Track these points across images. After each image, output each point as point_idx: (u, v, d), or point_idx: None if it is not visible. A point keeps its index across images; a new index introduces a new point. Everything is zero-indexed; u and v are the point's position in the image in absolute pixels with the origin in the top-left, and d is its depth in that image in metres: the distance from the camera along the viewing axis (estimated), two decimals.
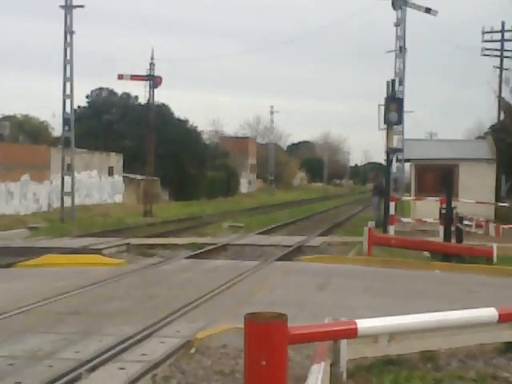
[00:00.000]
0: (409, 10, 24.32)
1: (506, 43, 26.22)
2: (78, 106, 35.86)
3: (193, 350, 5.53)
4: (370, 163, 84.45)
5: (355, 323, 2.05)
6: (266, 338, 1.72)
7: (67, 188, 23.86)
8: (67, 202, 23.66)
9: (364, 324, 2.15)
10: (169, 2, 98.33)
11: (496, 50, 27.37)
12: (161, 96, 36.17)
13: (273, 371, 1.72)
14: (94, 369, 4.70)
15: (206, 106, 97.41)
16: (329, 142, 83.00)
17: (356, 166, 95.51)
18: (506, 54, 26.31)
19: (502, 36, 26.89)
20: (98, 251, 13.91)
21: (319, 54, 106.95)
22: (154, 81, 27.07)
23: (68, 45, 23.10)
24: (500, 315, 2.39)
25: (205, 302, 8.04)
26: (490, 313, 2.41)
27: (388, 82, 17.53)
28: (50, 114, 41.54)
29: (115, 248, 15.01)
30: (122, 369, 4.78)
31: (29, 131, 36.92)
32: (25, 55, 70.06)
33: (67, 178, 24.02)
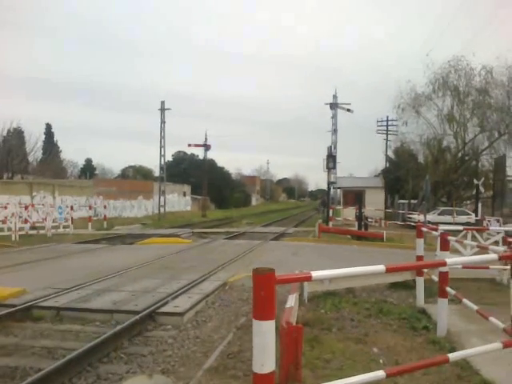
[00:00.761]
0: (339, 110, 46.19)
1: (389, 127, 43.17)
2: (168, 160, 54.26)
3: (227, 287, 8.66)
4: (319, 189, 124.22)
5: (310, 274, 2.45)
6: (264, 282, 2.27)
7: (162, 203, 39.41)
8: (162, 210, 39.01)
9: (315, 274, 2.41)
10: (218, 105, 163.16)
11: (384, 130, 43.97)
12: (210, 155, 57.06)
13: (267, 298, 2.28)
14: (175, 297, 7.52)
15: (233, 159, 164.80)
16: (298, 178, 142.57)
17: (312, 190, 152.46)
18: (389, 133, 42.96)
19: (387, 123, 43.36)
20: (178, 236, 20.72)
21: (294, 132, 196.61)
22: (206, 147, 46.15)
23: (162, 129, 39.83)
24: (387, 269, 2.73)
25: (233, 262, 11.93)
26: (381, 267, 2.70)
27: (328, 147, 29.28)
28: (153, 165, 64.85)
29: (187, 234, 22.15)
30: (190, 297, 7.54)
31: (142, 173, 66.93)
32: (140, 134, 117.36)
33: (162, 198, 39.65)
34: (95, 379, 4.59)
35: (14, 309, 6.76)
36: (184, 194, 56.30)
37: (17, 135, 44.22)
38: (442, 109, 33.26)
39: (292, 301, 5.86)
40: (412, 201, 33.84)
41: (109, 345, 5.40)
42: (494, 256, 3.85)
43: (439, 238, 7.26)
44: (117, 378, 4.47)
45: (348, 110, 46.34)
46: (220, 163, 70.07)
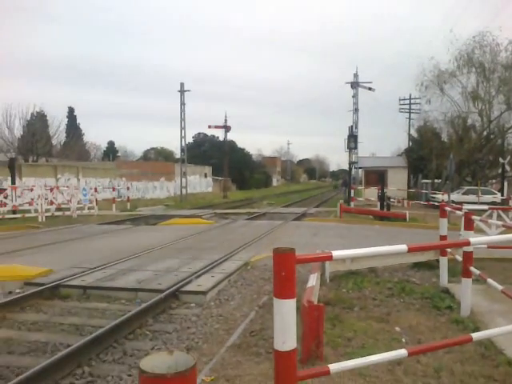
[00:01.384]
0: (360, 89, 44.35)
1: (412, 106, 43.14)
2: (189, 142, 54.72)
3: (249, 267, 8.75)
4: (340, 169, 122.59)
5: (331, 253, 2.38)
6: (284, 261, 2.26)
7: (183, 184, 39.72)
8: (184, 191, 39.28)
9: (336, 253, 2.37)
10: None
11: (407, 109, 43.93)
12: (230, 136, 56.54)
13: (287, 277, 2.27)
14: (198, 276, 7.63)
15: (253, 140, 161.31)
16: (319, 158, 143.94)
17: (333, 170, 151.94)
18: (412, 111, 43.13)
19: (410, 101, 43.34)
20: (199, 216, 20.82)
21: (316, 113, 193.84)
22: (227, 128, 45.07)
23: (182, 110, 39.73)
24: (409, 248, 2.64)
25: (255, 242, 12.00)
26: (403, 247, 2.60)
27: (349, 127, 29.38)
28: (174, 146, 68.16)
29: (208, 215, 22.31)
30: (213, 276, 7.65)
31: (163, 155, 68.68)
32: (161, 116, 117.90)
33: (183, 179, 39.99)
34: (121, 355, 4.71)
35: (42, 287, 6.97)
36: (205, 176, 56.69)
37: (40, 119, 44.86)
38: (466, 86, 32.38)
39: (313, 280, 5.89)
40: (436, 180, 33.29)
41: (134, 322, 5.52)
42: None
43: (463, 218, 7.15)
44: (142, 354, 4.58)
45: (369, 89, 45.34)
46: (240, 144, 70.36)
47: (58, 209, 21.13)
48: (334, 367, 2.55)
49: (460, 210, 7.66)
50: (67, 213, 20.80)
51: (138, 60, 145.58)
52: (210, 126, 46.99)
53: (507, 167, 26.95)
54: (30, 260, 9.26)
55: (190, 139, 63.72)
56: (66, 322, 5.71)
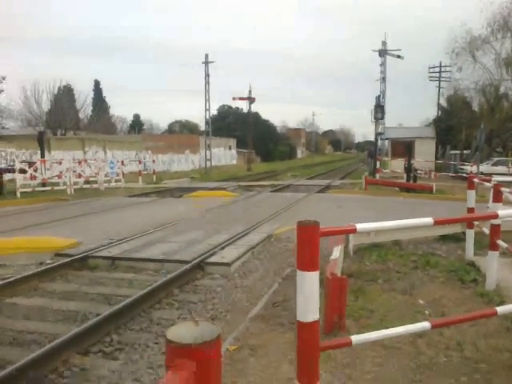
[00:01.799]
0: (388, 57, 41.82)
1: (442, 74, 42.52)
2: (213, 114, 53.38)
3: (272, 239, 8.82)
4: (366, 141, 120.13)
5: (355, 226, 2.38)
6: (308, 234, 2.25)
7: (208, 157, 39.53)
8: (208, 164, 39.20)
9: (360, 226, 2.36)
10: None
11: (436, 77, 42.84)
12: (255, 108, 58.09)
13: (310, 250, 2.26)
14: (222, 248, 7.74)
15: (278, 112, 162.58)
16: (344, 130, 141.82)
17: (359, 142, 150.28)
18: (442, 79, 42.32)
19: (440, 69, 42.35)
20: (224, 189, 20.96)
21: (341, 82, 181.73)
22: (251, 100, 44.57)
23: (206, 82, 39.21)
24: (435, 221, 2.61)
25: (278, 215, 12.02)
26: (429, 220, 2.58)
27: (376, 97, 28.63)
28: (199, 119, 65.21)
29: (232, 187, 22.36)
30: (237, 248, 7.75)
31: (188, 128, 67.41)
32: (186, 89, 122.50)
33: (208, 152, 39.76)
34: (148, 324, 4.86)
35: (71, 258, 7.19)
36: (229, 148, 56.71)
37: (67, 93, 45.39)
38: (500, 52, 31.19)
39: (337, 252, 5.87)
40: (465, 151, 32.53)
41: (160, 292, 5.66)
42: None
43: (492, 190, 6.98)
44: (169, 324, 4.71)
45: (398, 57, 43.92)
46: (265, 116, 69.82)
47: (86, 181, 21.55)
48: (356, 338, 2.57)
49: (489, 181, 7.48)
50: (95, 185, 21.20)
51: (164, 32, 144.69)
52: (234, 98, 46.89)
53: None
54: (59, 231, 9.53)
55: (214, 112, 63.44)
56: (94, 291, 5.90)
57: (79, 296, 5.74)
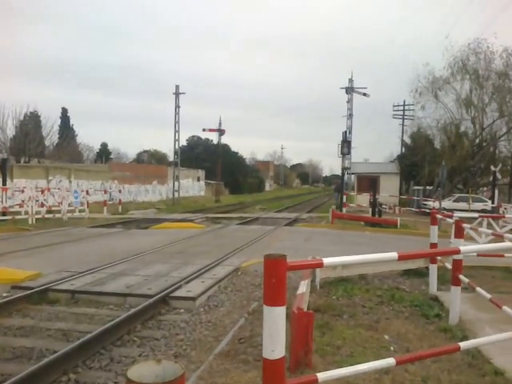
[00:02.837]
0: (354, 94, 44.97)
1: (405, 112, 44.26)
2: (182, 145, 53.17)
3: (239, 273, 8.69)
4: (333, 174, 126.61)
5: (322, 260, 2.39)
6: (275, 268, 2.24)
7: (176, 188, 39.34)
8: (176, 195, 38.88)
9: (327, 260, 2.36)
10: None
11: (400, 115, 45.17)
12: (224, 139, 59.08)
13: (278, 284, 2.26)
14: (188, 282, 7.54)
15: (249, 146, 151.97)
16: (312, 163, 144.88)
17: (326, 176, 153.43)
18: (406, 117, 44.06)
19: (404, 107, 44.41)
20: (191, 221, 20.86)
21: (310, 117, 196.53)
22: (221, 131, 48.45)
23: (176, 113, 39.44)
24: (399, 256, 2.70)
25: (246, 247, 11.97)
26: (393, 255, 2.66)
27: (343, 132, 29.24)
28: (168, 149, 65.54)
29: (200, 219, 22.25)
30: (203, 282, 7.60)
31: (157, 158, 66.88)
32: (156, 119, 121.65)
33: (176, 183, 39.55)
34: (109, 362, 4.67)
35: (30, 291, 6.89)
36: (198, 179, 56.48)
37: (33, 119, 44.62)
38: (460, 93, 32.72)
39: (304, 287, 5.88)
40: (427, 187, 33.50)
41: (122, 328, 5.48)
42: (509, 244, 3.79)
43: (454, 225, 7.18)
44: (130, 361, 4.54)
45: (364, 95, 45.62)
46: (234, 148, 70.30)
47: (49, 211, 20.97)
48: (322, 376, 2.55)
49: (451, 217, 7.69)
50: (58, 215, 20.65)
51: (132, 62, 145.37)
52: (204, 130, 47.48)
53: (498, 175, 27.20)
54: (18, 263, 9.16)
55: (183, 142, 63.62)
56: (53, 327, 5.65)
57: (36, 332, 5.48)
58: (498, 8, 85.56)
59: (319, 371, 2.81)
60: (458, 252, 3.85)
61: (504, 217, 13.47)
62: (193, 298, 6.69)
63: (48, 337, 5.34)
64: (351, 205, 27.49)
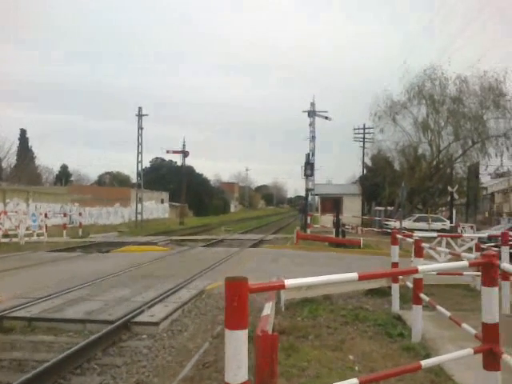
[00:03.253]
0: (316, 118, 46.28)
1: (366, 135, 45.30)
2: (145, 167, 53.65)
3: (204, 296, 8.59)
4: (297, 196, 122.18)
5: (284, 282, 2.42)
6: (236, 290, 2.20)
7: (139, 210, 39.18)
8: (139, 217, 38.76)
9: (289, 282, 2.39)
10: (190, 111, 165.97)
11: (361, 138, 46.03)
12: (188, 161, 54.86)
13: (239, 307, 2.21)
14: (151, 306, 7.40)
15: (213, 167, 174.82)
16: (276, 185, 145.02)
17: (291, 197, 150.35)
18: (366, 140, 45.07)
19: (364, 131, 45.38)
20: (155, 243, 20.50)
21: (274, 140, 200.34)
22: (185, 153, 45.76)
23: (139, 135, 39.39)
24: (359, 276, 2.70)
25: (211, 270, 11.87)
26: (354, 275, 2.64)
27: (306, 154, 29.99)
28: (130, 171, 62.95)
29: (164, 241, 21.85)
30: (166, 306, 7.46)
31: (119, 179, 66.44)
32: (118, 141, 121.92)
33: (139, 205, 39.45)
34: None
35: None
36: (162, 201, 55.88)
37: None
38: (417, 117, 33.94)
39: (268, 309, 5.82)
40: (388, 208, 34.32)
41: (82, 356, 5.28)
42: (465, 263, 3.90)
43: (414, 245, 7.35)
44: None
45: (326, 118, 46.75)
46: (198, 170, 70.03)
47: (5, 235, 20.20)
48: None
49: (411, 237, 7.87)
50: (15, 239, 19.91)
51: (95, 82, 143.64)
52: (168, 151, 47.05)
53: (455, 195, 28.16)
54: None
55: (147, 164, 62.93)
56: (7, 357, 5.38)
57: None
58: (452, 35, 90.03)
59: None
60: (416, 271, 3.93)
61: (462, 236, 13.90)
62: (156, 323, 6.53)
63: (1, 368, 5.07)
64: (315, 225, 27.75)
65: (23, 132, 59.25)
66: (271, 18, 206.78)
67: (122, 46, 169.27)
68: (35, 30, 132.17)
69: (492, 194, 45.02)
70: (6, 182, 41.80)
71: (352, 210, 33.50)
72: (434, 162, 34.64)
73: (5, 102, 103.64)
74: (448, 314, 4.69)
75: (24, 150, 55.46)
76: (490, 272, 3.12)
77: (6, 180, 43.83)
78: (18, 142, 54.84)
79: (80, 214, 30.79)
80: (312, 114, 46.33)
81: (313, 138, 46.47)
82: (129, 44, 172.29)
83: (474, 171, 32.12)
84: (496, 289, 3.13)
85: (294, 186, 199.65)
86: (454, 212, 28.10)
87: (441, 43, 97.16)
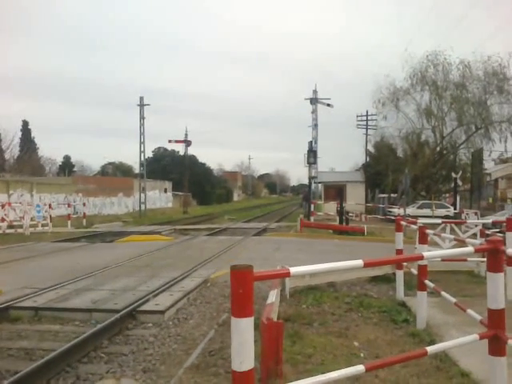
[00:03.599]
0: (319, 105, 46.20)
1: (369, 122, 44.27)
2: (148, 157, 54.01)
3: (208, 284, 8.61)
4: (301, 184, 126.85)
5: (289, 269, 2.43)
6: (241, 278, 2.23)
7: (142, 200, 39.04)
8: (142, 207, 38.65)
9: (294, 270, 2.40)
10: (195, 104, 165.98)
11: (364, 125, 44.98)
12: (191, 151, 56.25)
13: (245, 295, 2.24)
14: (156, 295, 7.38)
15: (214, 155, 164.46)
16: (279, 173, 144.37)
17: (294, 185, 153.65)
18: (369, 127, 44.29)
19: (367, 118, 44.26)
20: (158, 233, 20.50)
21: (275, 127, 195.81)
22: (187, 143, 46.25)
23: (141, 124, 39.21)
24: (364, 263, 2.68)
25: (215, 258, 11.90)
26: (359, 262, 2.65)
27: (309, 142, 29.59)
28: (133, 161, 63.04)
29: (168, 231, 21.87)
30: (171, 295, 7.44)
31: (122, 170, 65.67)
32: (120, 131, 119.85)
33: (142, 195, 39.36)
34: (74, 380, 4.52)
35: None
36: (165, 191, 55.89)
37: None
38: (420, 103, 33.71)
39: (273, 297, 5.85)
40: (392, 195, 34.21)
41: (88, 344, 5.32)
42: (470, 249, 3.89)
43: (418, 232, 7.33)
44: (97, 378, 4.41)
45: (328, 105, 46.51)
46: (201, 159, 69.89)
47: (10, 226, 20.29)
48: None
49: (415, 223, 7.86)
50: (19, 230, 20.00)
51: (98, 72, 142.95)
52: (170, 141, 46.95)
53: (459, 182, 28.06)
54: None
55: (149, 154, 62.93)
56: (15, 346, 5.43)
57: None
58: (455, 21, 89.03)
59: (290, 381, 2.80)
60: (421, 258, 3.92)
61: (466, 222, 13.87)
62: (161, 312, 6.57)
63: (9, 357, 5.12)
64: (319, 213, 27.67)
65: (25, 124, 59.27)
66: (271, 2, 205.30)
67: (125, 39, 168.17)
68: (35, 21, 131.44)
69: (496, 180, 44.84)
70: (10, 174, 41.93)
71: (355, 198, 33.38)
72: (438, 149, 34.49)
73: (6, 93, 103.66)
74: (453, 300, 4.69)
75: (27, 141, 55.54)
76: (495, 258, 3.11)
77: (9, 171, 43.96)
78: (20, 134, 54.90)
79: (84, 204, 30.87)
80: (314, 101, 46.15)
81: (315, 126, 46.35)
82: (132, 38, 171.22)
83: (477, 157, 31.94)
84: (501, 274, 3.12)
85: (297, 174, 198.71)
86: (458, 198, 28.00)
87: (442, 30, 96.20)
